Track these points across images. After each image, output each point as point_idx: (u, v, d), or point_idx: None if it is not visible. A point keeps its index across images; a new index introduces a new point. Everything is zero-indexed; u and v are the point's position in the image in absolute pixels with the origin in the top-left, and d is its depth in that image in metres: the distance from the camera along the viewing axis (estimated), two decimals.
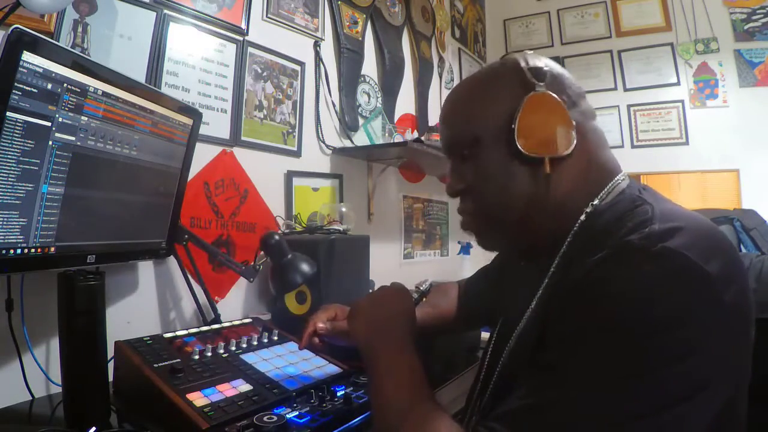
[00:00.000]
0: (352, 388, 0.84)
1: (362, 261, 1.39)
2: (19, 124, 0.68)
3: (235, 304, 1.37)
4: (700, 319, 0.43)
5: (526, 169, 0.56)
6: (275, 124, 1.53)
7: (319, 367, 0.93)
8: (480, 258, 0.73)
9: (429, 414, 0.52)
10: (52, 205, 0.76)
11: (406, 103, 2.26)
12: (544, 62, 0.59)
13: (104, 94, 0.82)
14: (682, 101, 2.77)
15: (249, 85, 1.44)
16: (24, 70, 0.68)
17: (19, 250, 0.72)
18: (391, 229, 2.13)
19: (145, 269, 1.16)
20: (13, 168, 0.69)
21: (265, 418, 0.69)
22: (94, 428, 0.71)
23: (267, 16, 1.52)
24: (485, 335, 1.20)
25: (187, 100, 1.24)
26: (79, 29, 1.03)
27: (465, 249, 2.23)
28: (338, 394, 0.82)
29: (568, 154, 0.55)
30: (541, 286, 0.58)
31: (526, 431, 0.45)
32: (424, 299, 0.79)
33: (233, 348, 0.92)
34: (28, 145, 0.70)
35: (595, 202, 0.56)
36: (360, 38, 1.93)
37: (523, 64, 0.58)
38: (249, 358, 0.90)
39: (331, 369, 0.93)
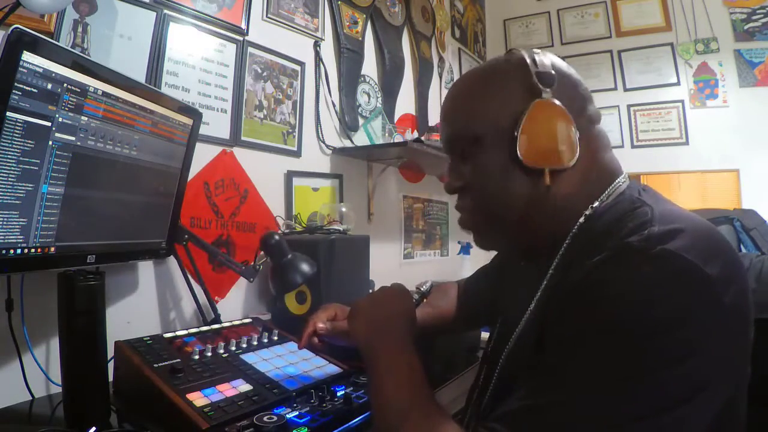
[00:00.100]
0: (352, 388, 0.84)
1: (362, 261, 1.39)
2: (19, 124, 0.68)
3: (235, 304, 1.37)
4: (700, 321, 0.42)
5: (525, 176, 0.56)
6: (275, 124, 1.53)
7: (319, 367, 0.93)
8: (480, 258, 0.73)
9: (429, 414, 0.52)
10: (52, 205, 0.76)
11: (406, 103, 2.26)
12: (551, 62, 0.57)
13: (104, 94, 0.82)
14: (682, 101, 2.77)
15: (249, 85, 1.44)
16: (24, 70, 0.68)
17: (19, 250, 0.72)
18: (391, 229, 2.13)
19: (145, 269, 1.16)
20: (13, 168, 0.69)
21: (265, 418, 0.69)
22: (94, 428, 0.71)
23: (267, 16, 1.52)
24: (485, 335, 1.20)
25: (187, 100, 1.24)
26: (79, 29, 1.03)
27: (465, 249, 2.23)
28: (338, 394, 0.82)
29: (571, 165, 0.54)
30: (540, 288, 0.57)
31: (525, 431, 0.45)
32: (424, 300, 0.79)
33: (233, 348, 0.92)
34: (28, 145, 0.70)
35: (595, 204, 0.56)
36: (360, 38, 1.93)
37: (530, 64, 0.57)
38: (249, 358, 0.90)
39: (331, 369, 0.93)
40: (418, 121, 2.34)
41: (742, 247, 1.63)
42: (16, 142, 0.68)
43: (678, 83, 2.78)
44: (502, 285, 0.77)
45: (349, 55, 1.86)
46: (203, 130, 1.19)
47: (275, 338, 1.01)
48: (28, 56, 0.68)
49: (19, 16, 0.86)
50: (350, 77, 1.87)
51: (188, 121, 1.06)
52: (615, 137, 2.87)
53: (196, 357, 0.85)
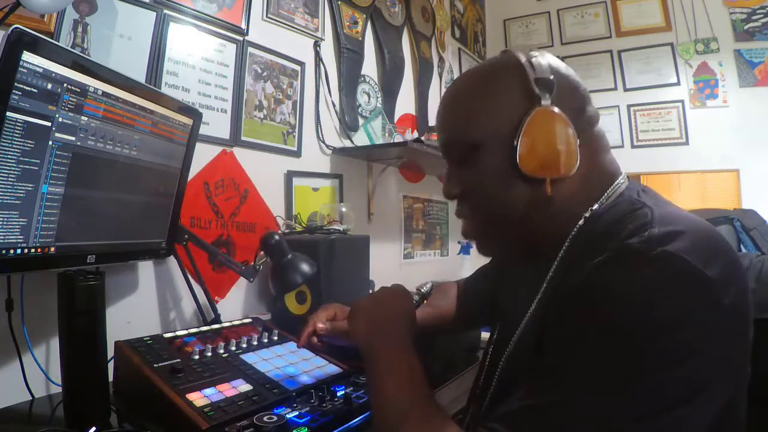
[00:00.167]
0: (352, 388, 0.84)
1: (362, 261, 1.39)
2: (19, 124, 0.68)
3: (235, 304, 1.37)
4: (700, 322, 0.43)
5: (525, 183, 0.55)
6: (275, 124, 1.53)
7: (319, 367, 0.93)
8: (480, 258, 0.72)
9: (429, 414, 0.52)
10: (52, 205, 0.76)
11: (406, 103, 2.26)
12: (548, 64, 0.56)
13: (104, 94, 0.82)
14: (682, 101, 2.77)
15: (249, 85, 1.44)
16: (24, 70, 0.68)
17: (19, 250, 0.72)
18: (391, 229, 2.13)
19: (145, 269, 1.16)
20: (13, 168, 0.69)
21: (265, 418, 0.69)
22: (94, 428, 0.72)
23: (267, 16, 1.52)
24: (485, 335, 1.20)
25: (187, 100, 1.24)
26: (79, 29, 1.03)
27: (465, 249, 2.23)
28: (338, 394, 0.82)
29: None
30: (540, 290, 0.57)
31: (525, 431, 0.45)
32: (425, 301, 0.79)
33: (233, 348, 0.92)
34: (28, 145, 0.70)
35: (595, 206, 0.55)
36: (360, 38, 1.93)
37: (528, 68, 0.55)
38: (249, 358, 0.90)
39: (331, 369, 0.93)
40: (418, 121, 2.34)
41: (742, 247, 1.63)
42: (16, 142, 0.68)
43: (678, 83, 2.78)
44: (502, 285, 0.76)
45: (349, 55, 1.86)
46: (203, 130, 1.19)
47: (275, 338, 1.01)
48: (28, 56, 0.68)
49: (19, 16, 0.86)
50: (350, 77, 1.87)
51: (188, 121, 1.06)
52: (615, 137, 2.86)
53: (196, 357, 0.85)
